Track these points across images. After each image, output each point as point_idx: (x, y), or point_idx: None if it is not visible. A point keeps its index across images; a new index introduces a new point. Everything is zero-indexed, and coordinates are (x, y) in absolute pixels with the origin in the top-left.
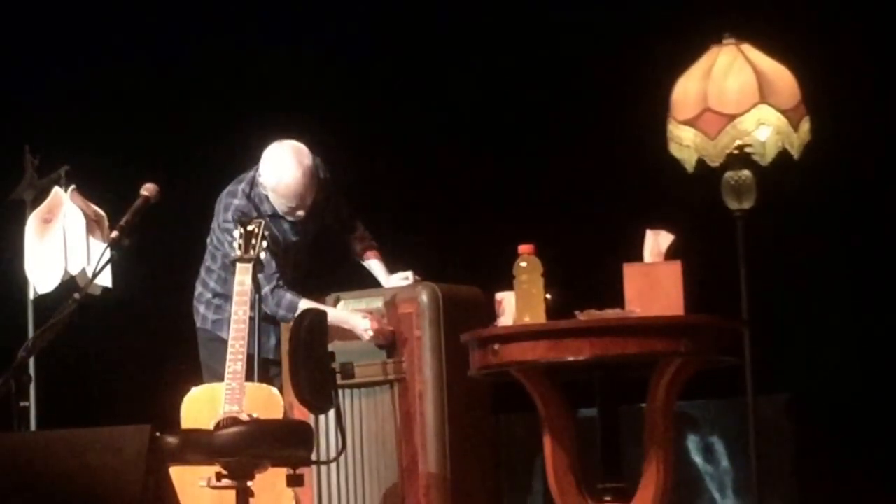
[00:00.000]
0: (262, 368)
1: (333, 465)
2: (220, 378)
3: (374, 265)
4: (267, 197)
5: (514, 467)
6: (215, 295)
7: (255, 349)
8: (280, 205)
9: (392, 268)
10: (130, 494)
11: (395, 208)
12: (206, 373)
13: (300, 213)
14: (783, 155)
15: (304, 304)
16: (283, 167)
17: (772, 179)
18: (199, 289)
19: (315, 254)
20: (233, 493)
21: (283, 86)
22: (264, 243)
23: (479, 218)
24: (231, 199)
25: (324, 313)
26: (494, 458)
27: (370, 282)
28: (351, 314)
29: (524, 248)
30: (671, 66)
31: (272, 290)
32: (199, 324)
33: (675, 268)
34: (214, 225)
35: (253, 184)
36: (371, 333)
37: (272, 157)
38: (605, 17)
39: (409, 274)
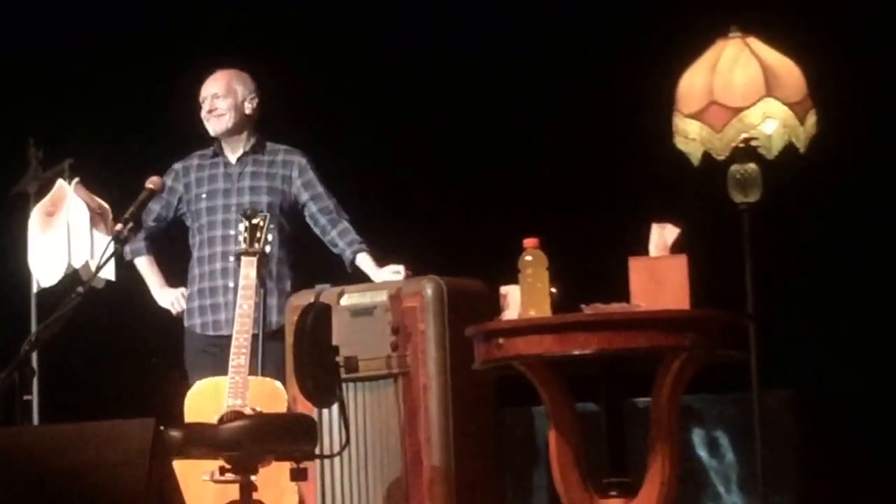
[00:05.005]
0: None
1: (337, 459)
2: (198, 372)
3: (363, 261)
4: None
5: (518, 461)
6: (191, 278)
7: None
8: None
9: (396, 261)
10: (134, 488)
11: (399, 201)
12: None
13: (203, 103)
14: (789, 148)
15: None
16: None
17: (778, 173)
18: None
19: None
20: (236, 487)
21: (288, 81)
22: (269, 236)
23: (485, 211)
24: None
25: (328, 306)
26: (498, 451)
27: (361, 275)
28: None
29: (529, 242)
30: (677, 60)
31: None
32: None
33: (681, 261)
34: None
35: None
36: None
37: None
38: (611, 10)
39: (401, 268)
